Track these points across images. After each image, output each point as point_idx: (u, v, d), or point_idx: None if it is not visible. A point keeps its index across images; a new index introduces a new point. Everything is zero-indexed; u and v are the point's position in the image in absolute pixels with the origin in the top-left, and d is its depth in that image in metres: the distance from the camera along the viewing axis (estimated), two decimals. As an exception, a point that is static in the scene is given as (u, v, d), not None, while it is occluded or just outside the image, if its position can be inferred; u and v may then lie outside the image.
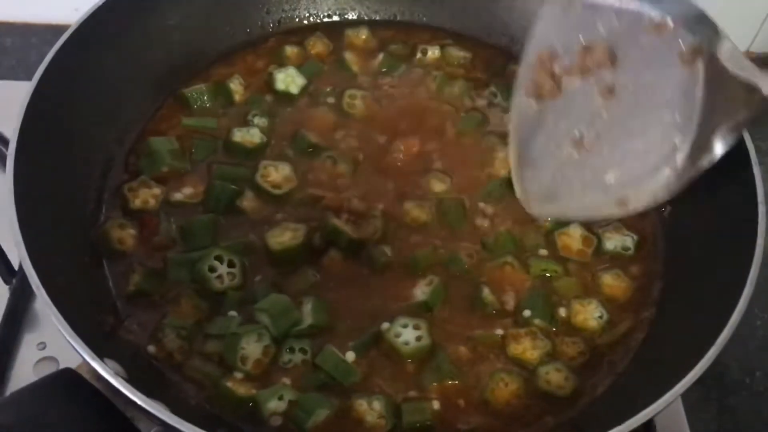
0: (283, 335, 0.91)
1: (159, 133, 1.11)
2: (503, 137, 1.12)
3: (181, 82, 1.17)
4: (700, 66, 0.86)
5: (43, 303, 0.77)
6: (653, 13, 0.88)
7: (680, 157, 0.87)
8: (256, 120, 1.13)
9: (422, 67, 1.24)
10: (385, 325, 0.93)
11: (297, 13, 1.30)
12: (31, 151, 0.89)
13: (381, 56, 1.24)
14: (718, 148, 0.84)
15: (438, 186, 1.08)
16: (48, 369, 1.01)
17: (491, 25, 1.29)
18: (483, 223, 1.04)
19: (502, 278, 0.99)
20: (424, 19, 1.32)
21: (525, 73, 0.96)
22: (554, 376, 0.92)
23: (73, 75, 1.00)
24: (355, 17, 1.32)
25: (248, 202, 1.03)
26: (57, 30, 1.03)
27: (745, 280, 0.83)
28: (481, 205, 1.06)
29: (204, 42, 1.21)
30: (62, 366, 0.84)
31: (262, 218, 1.02)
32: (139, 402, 0.72)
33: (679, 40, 0.87)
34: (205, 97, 1.15)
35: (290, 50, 1.24)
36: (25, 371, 1.01)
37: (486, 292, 0.97)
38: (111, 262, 0.97)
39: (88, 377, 0.79)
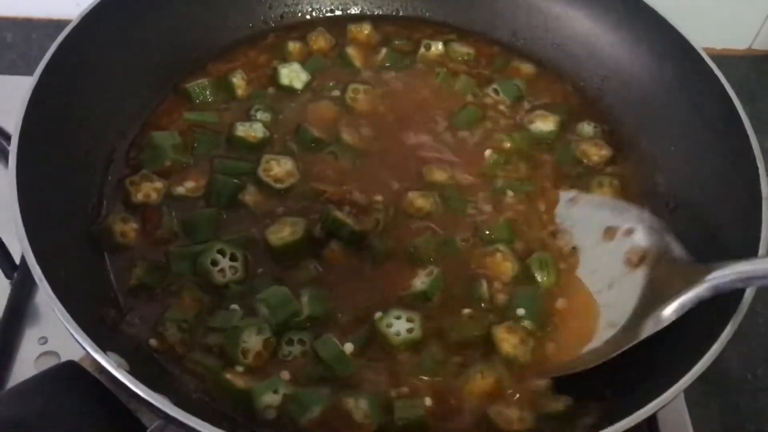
0: (282, 325, 0.91)
1: (160, 128, 1.10)
2: (504, 132, 1.14)
3: (183, 76, 1.17)
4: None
5: (45, 296, 0.77)
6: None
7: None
8: (259, 115, 1.13)
9: (425, 62, 1.24)
10: (378, 314, 0.93)
11: (299, 7, 1.30)
12: (33, 146, 0.89)
13: (384, 51, 1.24)
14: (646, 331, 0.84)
15: (440, 177, 1.08)
16: (49, 363, 0.99)
17: (494, 20, 1.29)
18: (482, 214, 1.05)
19: (494, 264, 0.99)
20: (427, 14, 1.32)
21: None
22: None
23: (75, 70, 1.00)
24: (357, 12, 1.32)
25: (250, 196, 1.03)
26: (58, 25, 1.03)
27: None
28: (481, 195, 1.06)
29: (206, 37, 1.21)
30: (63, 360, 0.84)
31: (264, 212, 1.02)
32: (142, 394, 0.72)
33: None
34: (207, 92, 1.15)
35: (293, 45, 1.24)
36: (26, 366, 1.01)
37: (484, 287, 0.97)
38: (113, 256, 0.97)
39: (91, 370, 0.79)
